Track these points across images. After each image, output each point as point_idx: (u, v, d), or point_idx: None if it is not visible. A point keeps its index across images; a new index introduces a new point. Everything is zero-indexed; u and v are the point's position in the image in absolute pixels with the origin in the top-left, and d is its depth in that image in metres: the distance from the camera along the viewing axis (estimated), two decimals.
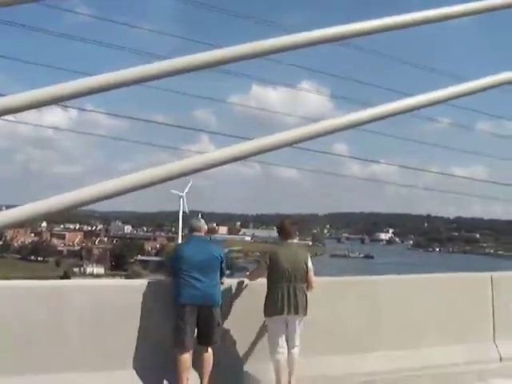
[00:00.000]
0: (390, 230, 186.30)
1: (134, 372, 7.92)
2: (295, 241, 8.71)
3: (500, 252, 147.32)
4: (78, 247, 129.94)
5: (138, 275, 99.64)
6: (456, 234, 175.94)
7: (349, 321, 9.29)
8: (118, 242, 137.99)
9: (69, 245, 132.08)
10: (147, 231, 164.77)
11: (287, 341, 8.27)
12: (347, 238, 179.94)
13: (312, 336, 8.87)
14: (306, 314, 8.27)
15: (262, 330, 8.54)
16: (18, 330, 7.54)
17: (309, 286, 8.33)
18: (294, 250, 8.41)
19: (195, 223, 8.46)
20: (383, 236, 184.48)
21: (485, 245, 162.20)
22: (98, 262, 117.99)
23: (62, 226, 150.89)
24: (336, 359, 8.95)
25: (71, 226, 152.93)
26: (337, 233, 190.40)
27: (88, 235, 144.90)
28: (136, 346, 7.98)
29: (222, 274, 8.24)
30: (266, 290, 8.26)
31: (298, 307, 8.14)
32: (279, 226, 8.65)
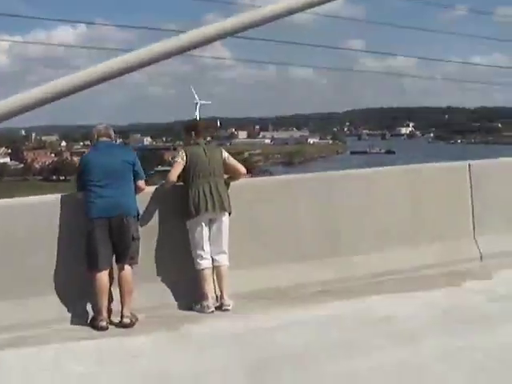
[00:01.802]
0: (411, 124, 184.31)
1: (51, 298, 7.07)
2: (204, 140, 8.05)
3: None
4: None
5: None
6: (477, 124, 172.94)
7: (301, 225, 8.21)
8: (138, 154, 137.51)
9: None
10: (166, 142, 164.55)
11: (212, 245, 7.54)
12: (368, 135, 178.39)
13: (258, 245, 7.98)
14: (230, 211, 7.55)
15: (186, 238, 7.55)
16: None
17: (238, 174, 7.91)
18: (208, 147, 7.84)
19: (100, 127, 7.38)
20: (404, 130, 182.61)
21: (507, 134, 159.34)
22: None
23: (81, 143, 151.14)
24: (285, 269, 7.93)
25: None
26: (357, 130, 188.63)
27: None
28: (50, 271, 7.11)
29: (137, 180, 7.25)
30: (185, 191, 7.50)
31: (222, 203, 7.46)
32: (190, 126, 8.02)
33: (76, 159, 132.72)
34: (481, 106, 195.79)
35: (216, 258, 7.49)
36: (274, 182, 8.96)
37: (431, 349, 5.91)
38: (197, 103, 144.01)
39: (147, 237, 7.37)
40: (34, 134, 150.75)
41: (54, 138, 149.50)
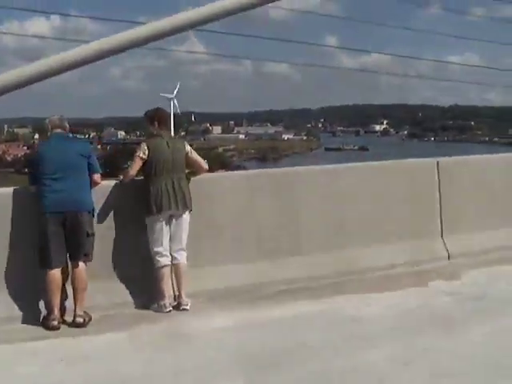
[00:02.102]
0: (385, 121, 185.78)
1: (0, 296, 6.75)
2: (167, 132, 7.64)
3: (495, 139, 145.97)
4: None
5: None
6: (451, 122, 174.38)
7: (263, 221, 7.94)
8: (111, 149, 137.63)
9: None
10: (140, 136, 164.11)
11: (172, 243, 7.25)
12: (342, 131, 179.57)
13: (217, 242, 7.71)
14: (191, 208, 7.26)
15: (145, 234, 7.25)
16: None
17: (200, 169, 7.58)
18: (170, 139, 7.41)
19: (54, 119, 7.06)
20: (378, 127, 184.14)
21: (479, 132, 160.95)
22: None
23: None
24: (246, 267, 7.69)
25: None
26: (331, 126, 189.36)
27: None
28: (1, 267, 6.81)
29: (92, 174, 6.94)
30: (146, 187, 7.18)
31: (184, 200, 7.17)
32: (152, 115, 7.48)
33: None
34: (454, 104, 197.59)
35: (175, 255, 7.22)
36: (234, 176, 8.67)
37: (395, 352, 5.69)
38: (171, 99, 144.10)
39: (104, 232, 7.09)
40: (6, 126, 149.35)
41: (27, 130, 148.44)
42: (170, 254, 7.20)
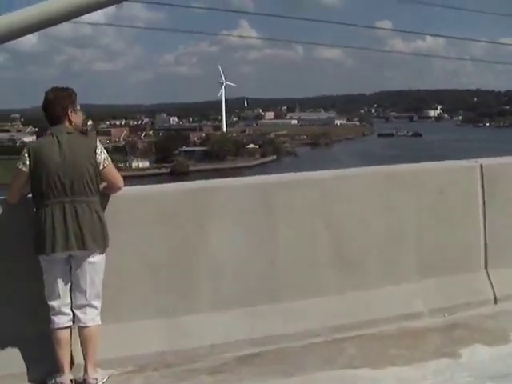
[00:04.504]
0: (439, 107, 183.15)
1: None
2: (70, 126, 4.86)
3: None
4: (124, 142, 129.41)
5: (182, 166, 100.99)
6: (507, 107, 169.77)
7: (214, 257, 5.46)
8: (163, 135, 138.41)
9: (114, 141, 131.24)
10: (193, 122, 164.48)
11: (74, 295, 4.84)
12: (395, 117, 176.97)
13: (151, 286, 5.34)
14: (104, 246, 4.84)
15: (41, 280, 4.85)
16: None
17: (112, 188, 5.03)
18: (68, 142, 4.74)
19: None
20: (432, 113, 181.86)
21: None
22: (143, 155, 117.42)
23: (107, 122, 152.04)
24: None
25: (117, 122, 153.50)
26: (384, 112, 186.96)
27: (134, 130, 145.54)
28: None
29: None
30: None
31: (83, 236, 4.67)
32: (43, 104, 4.88)
33: (101, 138, 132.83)
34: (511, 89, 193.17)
35: (77, 314, 4.82)
36: (180, 190, 5.68)
37: None
38: (222, 82, 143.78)
39: None
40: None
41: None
42: (72, 311, 4.85)
